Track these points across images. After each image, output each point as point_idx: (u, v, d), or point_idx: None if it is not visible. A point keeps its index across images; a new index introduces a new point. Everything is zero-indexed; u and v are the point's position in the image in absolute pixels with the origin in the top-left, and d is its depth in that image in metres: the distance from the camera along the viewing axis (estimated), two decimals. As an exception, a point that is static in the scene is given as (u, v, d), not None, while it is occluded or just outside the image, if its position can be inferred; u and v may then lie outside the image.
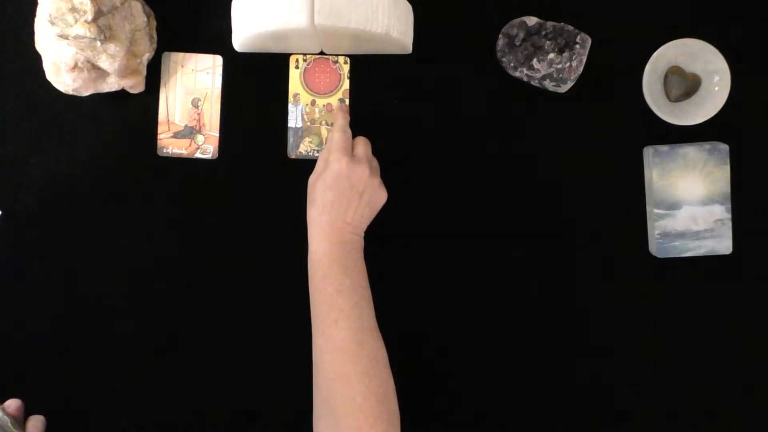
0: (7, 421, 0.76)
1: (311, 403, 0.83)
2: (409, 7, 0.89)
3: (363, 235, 0.86)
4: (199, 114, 0.94)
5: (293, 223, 0.93)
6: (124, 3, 0.85)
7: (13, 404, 0.79)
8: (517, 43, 0.91)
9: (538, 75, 0.91)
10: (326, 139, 0.94)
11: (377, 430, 0.76)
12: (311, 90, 0.94)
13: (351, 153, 0.85)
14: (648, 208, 0.94)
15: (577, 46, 0.90)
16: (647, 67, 0.92)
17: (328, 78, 0.94)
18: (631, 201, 0.95)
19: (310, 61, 0.94)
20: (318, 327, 0.81)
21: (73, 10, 0.80)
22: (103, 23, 0.82)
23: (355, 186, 0.83)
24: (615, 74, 0.94)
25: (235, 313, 0.94)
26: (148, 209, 0.93)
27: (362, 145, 0.87)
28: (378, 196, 0.86)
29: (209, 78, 0.93)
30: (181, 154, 0.93)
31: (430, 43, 0.94)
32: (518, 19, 0.92)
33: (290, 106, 0.94)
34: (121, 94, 0.91)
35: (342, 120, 0.88)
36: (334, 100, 0.94)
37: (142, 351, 0.94)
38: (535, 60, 0.90)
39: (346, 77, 0.94)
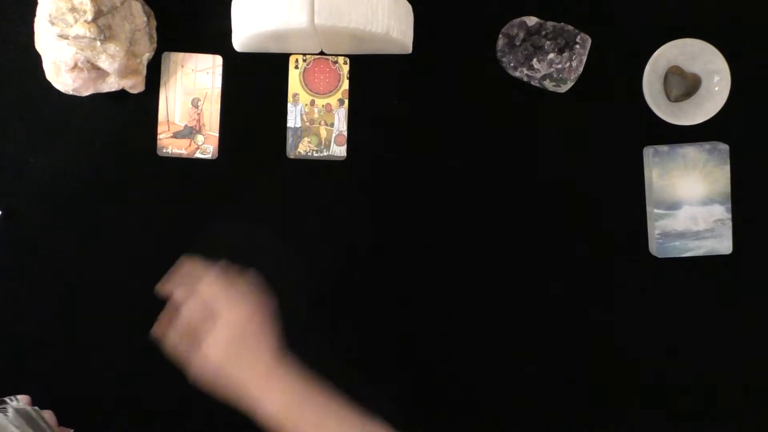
0: (31, 412, 0.75)
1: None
2: (409, 7, 0.89)
3: (280, 352, 0.78)
4: (198, 114, 0.94)
5: (292, 222, 0.93)
6: (124, 3, 0.85)
7: (22, 400, 0.79)
8: (517, 43, 0.91)
9: (538, 75, 0.91)
10: (325, 140, 0.94)
11: None
12: (311, 90, 0.94)
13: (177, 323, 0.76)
14: (648, 208, 0.94)
15: (577, 46, 0.90)
16: (647, 67, 0.92)
17: (328, 78, 0.94)
18: (631, 201, 0.95)
19: (310, 61, 0.94)
20: None
21: (73, 10, 0.80)
22: (103, 23, 0.82)
23: (201, 334, 0.75)
24: (615, 74, 0.94)
25: (235, 313, 0.94)
26: (148, 209, 0.93)
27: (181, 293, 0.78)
28: (257, 324, 0.77)
29: (209, 78, 0.93)
30: (180, 154, 0.94)
31: (430, 43, 0.94)
32: (518, 19, 0.92)
33: (289, 106, 0.94)
34: (121, 94, 0.91)
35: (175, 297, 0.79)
36: (333, 100, 0.94)
37: (142, 350, 0.93)
38: (535, 60, 0.90)
39: (345, 77, 0.94)
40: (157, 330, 0.78)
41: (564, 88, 0.92)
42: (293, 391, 0.75)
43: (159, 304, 0.94)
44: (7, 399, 0.76)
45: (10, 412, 0.73)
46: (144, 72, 0.90)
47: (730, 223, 0.93)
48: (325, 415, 0.75)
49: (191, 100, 0.93)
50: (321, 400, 0.76)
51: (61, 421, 0.87)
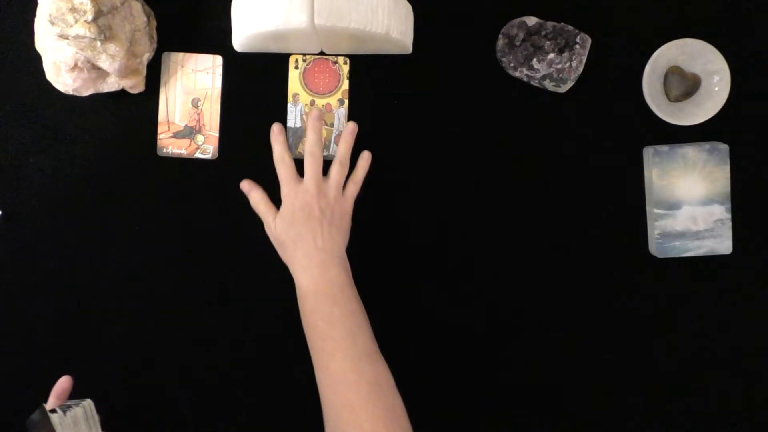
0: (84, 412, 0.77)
1: (313, 400, 0.83)
2: (409, 7, 0.89)
3: (344, 257, 0.86)
4: (199, 114, 0.94)
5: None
6: (124, 3, 0.85)
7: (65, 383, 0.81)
8: (517, 43, 0.91)
9: (538, 75, 0.91)
10: (325, 140, 0.94)
11: None
12: (311, 90, 0.94)
13: (296, 181, 0.86)
14: (648, 208, 0.94)
15: (577, 46, 0.90)
16: (647, 67, 0.92)
17: (328, 78, 0.94)
18: (631, 201, 0.95)
19: (310, 62, 0.94)
20: (316, 361, 0.81)
21: (73, 10, 0.80)
22: (103, 23, 0.82)
23: (312, 212, 0.84)
24: (615, 74, 0.94)
25: (234, 313, 0.94)
26: (148, 209, 0.93)
27: (309, 168, 0.87)
28: (339, 213, 0.86)
29: (209, 78, 0.94)
30: (180, 154, 0.94)
31: (430, 43, 0.94)
32: (518, 19, 0.92)
33: (289, 107, 0.94)
34: (121, 94, 0.91)
35: (279, 147, 0.89)
36: (333, 100, 0.94)
37: (141, 351, 0.94)
38: (535, 60, 0.90)
39: (345, 77, 0.94)
40: (245, 185, 0.91)
41: (564, 88, 0.92)
42: (326, 285, 0.82)
43: (158, 304, 0.94)
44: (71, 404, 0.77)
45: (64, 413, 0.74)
46: (144, 72, 0.90)
47: (729, 223, 0.93)
48: (339, 322, 0.81)
49: (191, 100, 0.94)
50: (345, 308, 0.82)
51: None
